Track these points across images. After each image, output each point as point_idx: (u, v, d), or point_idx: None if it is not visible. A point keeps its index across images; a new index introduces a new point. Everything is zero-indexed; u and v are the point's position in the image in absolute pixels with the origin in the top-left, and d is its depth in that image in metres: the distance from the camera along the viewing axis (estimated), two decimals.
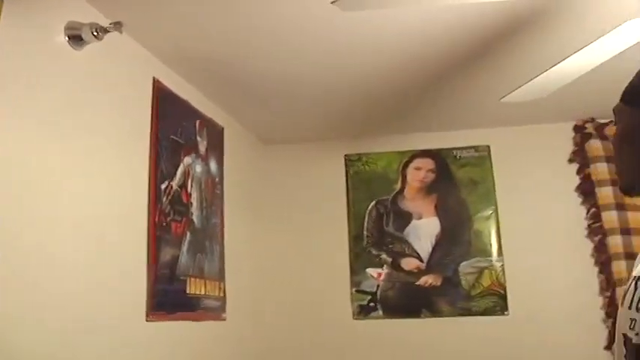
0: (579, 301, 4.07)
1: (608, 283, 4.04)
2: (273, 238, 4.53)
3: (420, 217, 4.42)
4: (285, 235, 4.56)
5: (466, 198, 4.39)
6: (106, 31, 2.41)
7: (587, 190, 4.22)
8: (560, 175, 4.29)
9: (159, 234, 3.00)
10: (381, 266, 4.39)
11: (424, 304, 4.29)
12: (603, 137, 4.21)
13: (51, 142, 2.29)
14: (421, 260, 4.34)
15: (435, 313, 4.26)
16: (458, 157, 4.45)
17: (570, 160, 4.31)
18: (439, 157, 4.48)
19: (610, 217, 4.10)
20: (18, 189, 2.11)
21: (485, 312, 4.20)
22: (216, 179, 3.74)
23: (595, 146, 4.22)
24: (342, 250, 4.45)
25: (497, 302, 4.20)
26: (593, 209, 4.17)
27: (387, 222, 4.44)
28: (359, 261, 4.42)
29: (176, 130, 3.27)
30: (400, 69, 3.34)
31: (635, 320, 1.09)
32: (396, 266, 4.37)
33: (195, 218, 3.40)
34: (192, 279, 3.30)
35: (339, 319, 4.35)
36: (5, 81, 2.09)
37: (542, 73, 2.66)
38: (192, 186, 3.39)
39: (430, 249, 4.35)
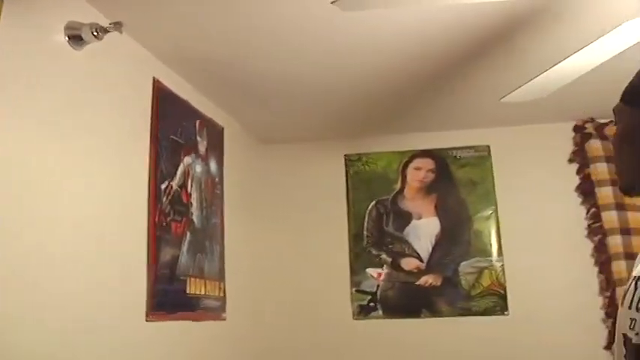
0: (579, 301, 4.07)
1: (608, 283, 4.04)
2: (273, 238, 4.53)
3: (419, 217, 4.42)
4: (286, 235, 4.55)
5: (466, 198, 4.39)
6: (105, 31, 2.41)
7: (587, 190, 4.22)
8: (560, 175, 4.29)
9: (159, 234, 3.00)
10: (381, 266, 4.39)
11: (424, 304, 4.29)
12: (603, 137, 4.22)
13: (50, 142, 2.29)
14: (421, 260, 4.35)
15: (435, 313, 4.26)
16: (458, 157, 4.45)
17: (570, 160, 4.31)
18: (439, 157, 4.48)
19: (610, 217, 4.10)
20: (18, 189, 2.11)
21: (485, 312, 4.20)
22: (216, 179, 3.73)
23: (595, 146, 4.22)
24: (342, 250, 4.45)
25: (497, 302, 4.20)
26: (593, 209, 4.17)
27: (386, 222, 4.44)
28: (359, 261, 4.42)
29: (176, 130, 3.27)
30: (400, 69, 3.35)
31: (635, 320, 1.09)
32: (395, 266, 4.37)
33: (195, 218, 3.40)
34: (192, 279, 3.30)
35: (339, 319, 4.35)
36: (5, 81, 2.08)
37: (542, 73, 2.66)
38: (192, 186, 3.39)
39: (430, 249, 4.36)
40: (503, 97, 2.96)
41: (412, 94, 3.74)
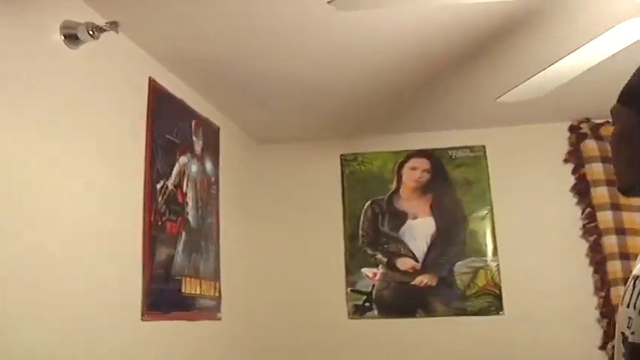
0: (574, 301, 4.08)
1: (603, 283, 4.04)
2: (268, 238, 4.53)
3: (415, 217, 4.42)
4: (281, 234, 4.55)
5: (461, 198, 4.39)
6: (102, 30, 2.41)
7: (582, 190, 4.22)
8: (556, 175, 4.30)
9: (154, 233, 2.99)
10: (377, 266, 4.39)
11: (419, 304, 4.29)
12: (598, 137, 4.22)
13: (47, 142, 2.28)
14: (416, 260, 4.35)
15: (430, 313, 4.26)
16: (453, 157, 4.46)
17: (565, 160, 4.31)
18: (434, 157, 4.48)
19: (605, 217, 4.10)
20: (18, 189, 2.11)
21: (480, 312, 4.20)
22: (212, 179, 3.73)
23: (590, 146, 4.23)
24: (337, 249, 4.45)
25: (492, 302, 4.21)
26: (588, 209, 4.18)
27: (382, 222, 4.45)
28: (354, 261, 4.42)
29: (172, 129, 3.27)
30: (396, 69, 3.35)
31: (632, 319, 1.09)
32: (391, 266, 4.37)
33: (190, 218, 3.39)
34: (188, 279, 3.29)
35: (334, 319, 4.35)
36: (0, 81, 2.08)
37: (537, 73, 2.66)
38: (187, 186, 3.39)
39: (425, 249, 4.36)
40: (499, 96, 2.96)
41: (408, 94, 3.74)
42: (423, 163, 4.49)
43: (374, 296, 4.35)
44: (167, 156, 3.19)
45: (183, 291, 3.24)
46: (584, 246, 4.17)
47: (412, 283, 4.32)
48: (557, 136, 4.33)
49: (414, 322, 4.28)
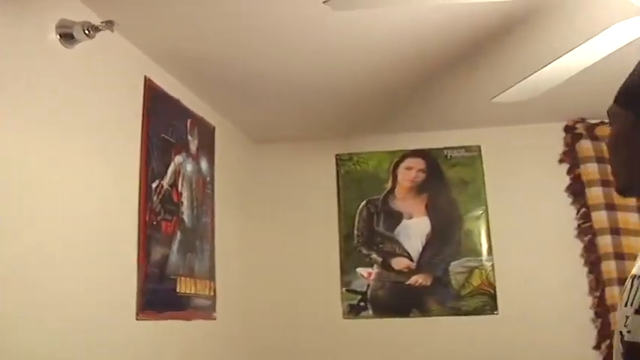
0: (569, 300, 4.09)
1: (598, 283, 4.05)
2: (263, 238, 4.53)
3: (410, 217, 4.42)
4: (276, 234, 4.55)
5: (456, 198, 4.40)
6: (97, 29, 2.40)
7: (577, 190, 4.23)
8: (551, 176, 4.31)
9: (149, 233, 2.99)
10: (372, 266, 4.39)
11: (414, 304, 4.30)
12: (594, 138, 4.23)
13: (41, 142, 2.27)
14: (411, 260, 4.35)
15: (425, 312, 4.27)
16: (449, 156, 4.46)
17: (561, 161, 4.32)
18: (430, 156, 4.49)
19: (600, 218, 4.11)
20: (16, 189, 2.11)
21: (475, 311, 4.21)
22: (207, 178, 3.73)
23: (585, 147, 4.24)
24: (332, 249, 4.45)
25: (487, 302, 4.21)
26: (583, 209, 4.19)
27: (377, 221, 4.45)
28: (349, 260, 4.42)
29: (167, 129, 3.26)
30: (391, 69, 3.35)
31: (628, 317, 1.09)
32: (386, 266, 4.37)
33: (185, 217, 3.39)
34: (183, 278, 3.29)
35: (329, 319, 4.35)
36: None
37: (533, 73, 2.67)
38: (182, 185, 3.38)
39: (420, 249, 4.36)
40: (495, 97, 2.96)
41: (404, 94, 3.74)
42: (418, 163, 4.50)
43: (369, 296, 4.35)
44: (162, 155, 3.19)
45: (178, 290, 3.24)
46: (578, 246, 4.18)
47: (407, 282, 4.33)
48: (553, 137, 4.34)
49: (408, 321, 4.28)
